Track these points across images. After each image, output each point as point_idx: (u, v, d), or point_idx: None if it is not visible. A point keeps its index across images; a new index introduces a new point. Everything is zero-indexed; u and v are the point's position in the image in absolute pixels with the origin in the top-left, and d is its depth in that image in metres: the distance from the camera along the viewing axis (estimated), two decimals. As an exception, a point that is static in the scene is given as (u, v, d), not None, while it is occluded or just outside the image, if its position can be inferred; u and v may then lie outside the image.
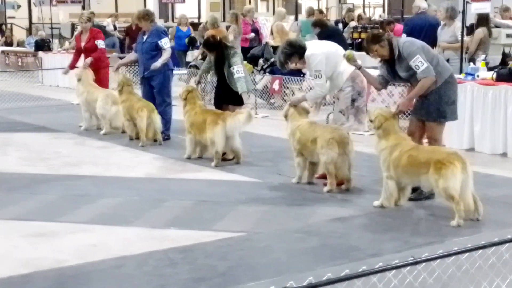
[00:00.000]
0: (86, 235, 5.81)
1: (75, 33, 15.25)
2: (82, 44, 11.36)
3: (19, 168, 8.46)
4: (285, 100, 8.16)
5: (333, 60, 7.42)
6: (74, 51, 12.16)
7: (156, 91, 10.02)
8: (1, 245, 5.62)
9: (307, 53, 7.42)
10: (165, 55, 9.87)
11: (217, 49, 8.81)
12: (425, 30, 10.99)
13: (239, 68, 8.61)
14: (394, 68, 6.83)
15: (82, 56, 11.55)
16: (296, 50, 7.47)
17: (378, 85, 7.16)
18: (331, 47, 7.63)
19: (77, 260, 5.20)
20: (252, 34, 15.76)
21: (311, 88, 8.82)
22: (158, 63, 9.75)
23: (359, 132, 8.79)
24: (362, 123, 7.90)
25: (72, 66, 11.86)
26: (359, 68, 7.14)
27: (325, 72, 7.37)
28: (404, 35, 11.04)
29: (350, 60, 7.10)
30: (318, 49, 7.49)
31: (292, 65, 7.85)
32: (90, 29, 11.41)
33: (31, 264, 5.11)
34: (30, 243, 5.63)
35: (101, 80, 11.22)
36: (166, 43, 9.94)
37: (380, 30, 12.39)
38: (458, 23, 10.59)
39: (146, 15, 10.14)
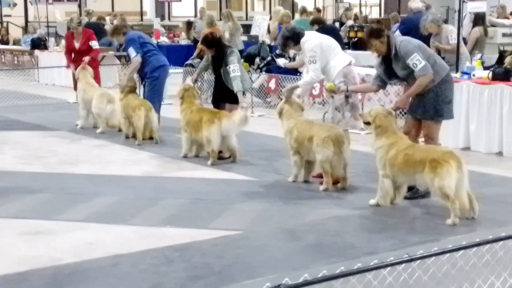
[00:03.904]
0: (83, 233, 5.81)
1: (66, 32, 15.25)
2: (77, 45, 11.48)
3: (16, 166, 8.46)
4: (281, 99, 8.15)
5: (327, 51, 7.51)
6: (65, 50, 12.24)
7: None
8: (-3, 243, 5.63)
9: (303, 39, 7.54)
10: (130, 67, 9.91)
11: (216, 46, 8.81)
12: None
13: (235, 67, 8.61)
14: (391, 67, 6.83)
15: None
16: (292, 35, 7.61)
17: (372, 89, 7.30)
18: (327, 39, 7.70)
19: (74, 258, 5.20)
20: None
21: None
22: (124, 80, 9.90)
23: (355, 130, 8.80)
24: (358, 120, 7.91)
25: (70, 64, 11.95)
26: (346, 91, 7.23)
27: (319, 59, 7.42)
28: (399, 34, 11.04)
29: (332, 91, 7.21)
30: (313, 37, 7.65)
31: (291, 51, 7.95)
32: (83, 30, 11.47)
33: (28, 262, 5.11)
34: (26, 241, 5.63)
35: (95, 79, 11.34)
36: (131, 52, 9.92)
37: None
38: (448, 27, 10.66)
39: (115, 29, 10.35)
